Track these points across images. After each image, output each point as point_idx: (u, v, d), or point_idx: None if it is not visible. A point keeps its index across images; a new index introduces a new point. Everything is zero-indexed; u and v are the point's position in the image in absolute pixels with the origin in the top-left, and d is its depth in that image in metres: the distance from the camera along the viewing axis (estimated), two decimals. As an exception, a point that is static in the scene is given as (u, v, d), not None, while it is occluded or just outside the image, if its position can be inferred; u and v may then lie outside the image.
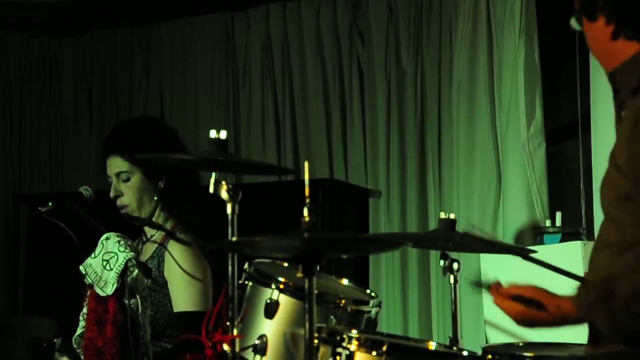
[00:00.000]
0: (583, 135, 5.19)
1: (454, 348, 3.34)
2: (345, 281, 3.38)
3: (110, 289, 3.44)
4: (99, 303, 3.46)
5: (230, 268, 2.85)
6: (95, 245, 3.54)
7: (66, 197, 3.89)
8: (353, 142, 5.94)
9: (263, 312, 3.01)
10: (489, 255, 4.64)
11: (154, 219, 3.92)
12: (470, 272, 4.55)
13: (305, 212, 2.51)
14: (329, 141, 6.02)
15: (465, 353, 3.05)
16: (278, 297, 3.01)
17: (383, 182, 5.77)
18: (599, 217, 4.34)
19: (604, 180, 2.54)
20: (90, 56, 6.64)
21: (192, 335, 3.00)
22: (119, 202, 3.89)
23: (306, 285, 2.52)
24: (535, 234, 5.09)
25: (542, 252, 3.53)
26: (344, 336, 2.83)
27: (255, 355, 2.97)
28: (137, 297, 3.47)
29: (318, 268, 2.54)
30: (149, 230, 3.95)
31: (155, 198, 3.90)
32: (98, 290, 3.46)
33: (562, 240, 4.94)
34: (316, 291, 2.55)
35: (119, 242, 3.51)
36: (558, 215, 5.05)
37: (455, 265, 3.57)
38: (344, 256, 4.56)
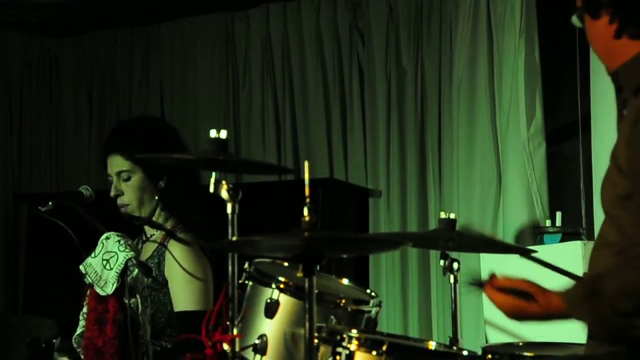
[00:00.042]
0: (583, 135, 5.19)
1: (454, 348, 3.34)
2: (345, 281, 3.38)
3: (110, 289, 3.44)
4: (99, 302, 3.46)
5: (230, 268, 2.85)
6: (95, 244, 3.54)
7: (66, 196, 3.89)
8: (353, 141, 5.94)
9: (263, 312, 3.01)
10: (489, 255, 4.63)
11: (154, 219, 3.92)
12: (469, 273, 4.55)
13: (306, 211, 2.51)
14: (329, 141, 6.02)
15: (465, 353, 3.05)
16: (278, 296, 3.01)
17: (383, 182, 5.78)
18: (599, 217, 4.35)
19: (605, 180, 2.54)
20: (90, 56, 6.64)
21: (192, 335, 2.99)
22: (119, 201, 3.89)
23: (306, 284, 2.52)
24: (535, 233, 5.09)
25: (542, 252, 3.53)
26: (344, 336, 2.83)
27: (255, 354, 2.97)
28: (137, 296, 3.47)
29: (318, 268, 2.54)
30: (149, 230, 3.95)
31: (156, 197, 3.90)
32: (98, 290, 3.46)
33: (562, 240, 4.94)
34: (316, 291, 2.55)
35: (119, 241, 3.51)
36: (558, 215, 5.05)
37: (455, 265, 3.56)
38: (344, 256, 4.56)
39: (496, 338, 4.52)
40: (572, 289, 2.50)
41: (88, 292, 3.51)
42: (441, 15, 5.70)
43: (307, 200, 2.52)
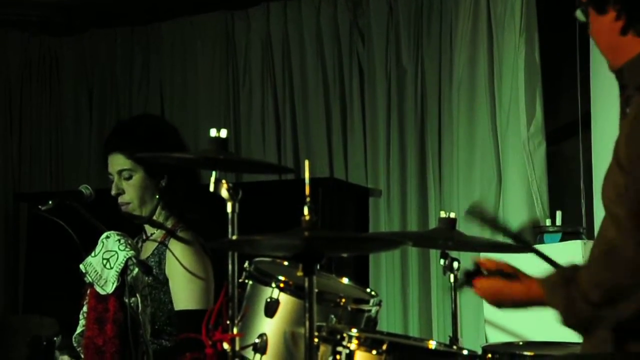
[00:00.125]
0: (583, 135, 5.19)
1: (454, 347, 3.34)
2: (345, 280, 3.38)
3: (110, 288, 3.44)
4: (99, 302, 3.45)
5: (230, 267, 2.85)
6: (96, 243, 3.54)
7: (66, 195, 3.88)
8: (353, 141, 5.94)
9: (263, 311, 3.01)
10: (489, 254, 4.63)
11: (154, 218, 3.92)
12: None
13: (306, 210, 2.51)
14: (329, 140, 6.02)
15: (465, 352, 3.05)
16: (278, 295, 3.01)
17: (383, 181, 5.77)
18: (599, 216, 4.35)
19: (606, 177, 2.53)
20: (91, 55, 6.64)
21: (193, 334, 2.99)
22: (120, 199, 3.89)
23: (306, 284, 2.52)
24: (535, 233, 5.09)
25: (542, 251, 3.53)
26: (344, 335, 2.83)
27: (255, 354, 2.97)
28: (137, 295, 3.47)
29: (318, 267, 2.54)
30: (149, 229, 3.95)
31: (157, 196, 3.90)
32: (98, 289, 3.46)
33: (562, 240, 4.94)
34: (316, 290, 2.55)
35: (119, 240, 3.51)
36: (558, 214, 5.05)
37: (455, 264, 3.57)
38: (344, 255, 4.56)
39: (496, 337, 4.53)
40: (550, 275, 2.52)
41: (88, 291, 3.51)
42: (441, 15, 5.70)
43: (307, 199, 2.52)
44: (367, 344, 2.82)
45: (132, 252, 3.48)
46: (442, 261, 3.59)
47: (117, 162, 3.88)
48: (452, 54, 5.57)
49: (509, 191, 5.30)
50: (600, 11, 2.59)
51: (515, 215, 5.23)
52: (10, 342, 4.37)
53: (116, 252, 3.48)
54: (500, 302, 2.65)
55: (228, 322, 2.85)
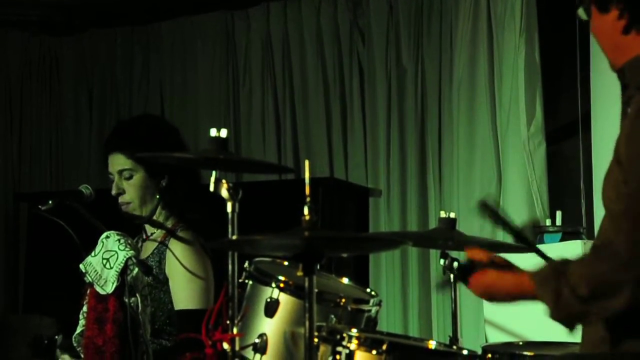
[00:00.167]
0: (583, 134, 5.19)
1: (454, 347, 3.33)
2: (345, 280, 3.37)
3: (110, 288, 3.44)
4: (99, 301, 3.45)
5: (230, 267, 2.85)
6: (95, 243, 3.54)
7: (66, 195, 3.88)
8: (353, 140, 5.94)
9: (263, 311, 3.01)
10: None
11: (154, 217, 3.92)
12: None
13: (306, 210, 2.51)
14: (329, 140, 6.02)
15: (465, 352, 3.05)
16: (278, 295, 3.01)
17: (383, 181, 5.77)
18: (599, 216, 4.35)
19: (606, 176, 2.53)
20: (91, 55, 6.64)
21: (193, 334, 2.99)
22: (120, 199, 3.89)
23: (306, 284, 2.52)
24: (535, 233, 5.09)
25: (543, 251, 3.53)
26: (344, 335, 2.83)
27: (255, 354, 2.97)
28: (137, 295, 3.47)
29: (318, 267, 2.54)
30: (149, 229, 3.95)
31: (157, 196, 3.90)
32: (98, 289, 3.46)
33: (562, 240, 4.94)
34: (316, 290, 2.55)
35: (119, 240, 3.51)
36: (558, 214, 5.05)
37: (455, 264, 3.56)
38: (344, 255, 4.56)
39: (496, 337, 4.53)
40: (541, 268, 2.52)
41: (88, 291, 3.51)
42: (441, 15, 5.70)
43: (308, 199, 2.52)
44: (367, 344, 2.81)
45: (132, 252, 3.48)
46: (442, 261, 3.58)
47: (118, 162, 3.88)
48: (452, 53, 5.57)
49: (509, 191, 5.30)
50: (602, 10, 2.59)
51: (515, 215, 5.23)
52: (11, 342, 4.37)
53: (116, 252, 3.48)
54: (491, 294, 2.64)
55: (228, 322, 2.85)
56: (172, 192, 3.89)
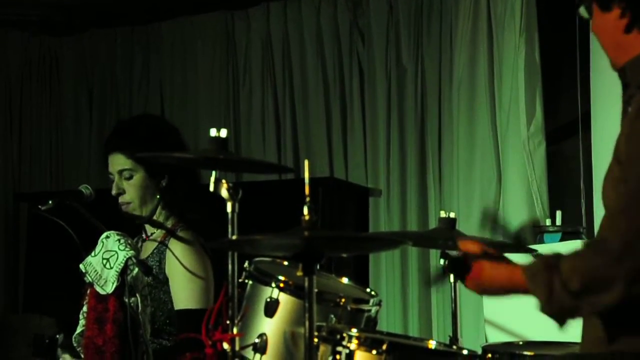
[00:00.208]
0: (583, 134, 5.19)
1: (454, 347, 3.33)
2: (345, 280, 3.37)
3: (110, 288, 3.44)
4: (99, 301, 3.45)
5: (230, 266, 2.85)
6: (95, 243, 3.54)
7: (66, 195, 3.88)
8: (353, 140, 5.94)
9: (263, 311, 3.01)
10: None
11: (154, 217, 3.92)
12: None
13: (306, 210, 2.51)
14: (329, 140, 6.03)
15: (465, 352, 3.05)
16: (278, 295, 3.00)
17: (383, 181, 5.78)
18: (599, 216, 4.35)
19: (607, 176, 2.53)
20: (91, 55, 6.64)
21: (193, 334, 2.99)
22: (121, 199, 3.89)
23: (306, 283, 2.52)
24: (535, 232, 5.09)
25: (542, 251, 3.53)
26: (344, 335, 2.83)
27: (255, 353, 2.97)
28: (137, 295, 3.47)
29: (318, 267, 2.54)
30: (149, 229, 3.95)
31: (157, 196, 3.90)
32: (98, 289, 3.46)
33: (562, 239, 4.94)
34: (316, 290, 2.55)
35: (119, 240, 3.51)
36: (558, 214, 5.05)
37: (442, 261, 3.55)
38: (344, 255, 4.56)
39: (496, 337, 4.52)
40: (533, 262, 2.52)
41: (88, 291, 3.51)
42: (441, 14, 5.71)
43: (307, 199, 2.51)
44: (367, 344, 2.81)
45: (132, 252, 3.48)
46: (442, 261, 3.58)
47: (118, 162, 3.88)
48: (452, 53, 5.57)
49: (509, 191, 5.30)
50: (604, 8, 2.58)
51: (515, 215, 5.23)
52: (10, 342, 4.37)
53: (116, 252, 3.48)
54: (483, 287, 2.64)
55: (228, 322, 2.84)
56: (172, 192, 3.89)
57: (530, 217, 5.20)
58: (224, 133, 2.91)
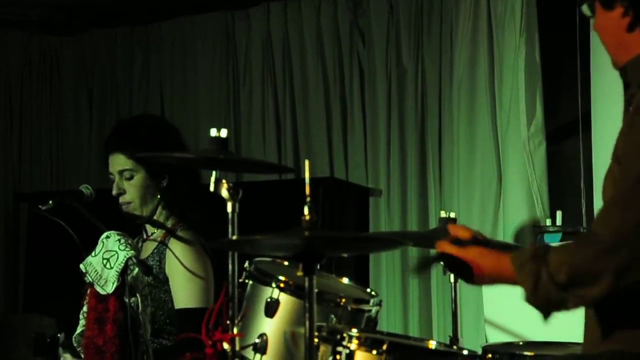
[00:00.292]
0: (583, 134, 5.19)
1: (454, 347, 3.33)
2: (345, 280, 3.37)
3: (110, 288, 3.44)
4: (99, 301, 3.45)
5: (230, 266, 2.85)
6: (96, 243, 3.54)
7: (66, 195, 3.88)
8: (353, 140, 5.94)
9: (263, 311, 3.01)
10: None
11: (155, 217, 3.92)
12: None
13: (306, 210, 2.51)
14: (330, 140, 6.03)
15: (465, 352, 3.05)
16: (278, 295, 3.00)
17: (383, 181, 5.78)
18: (599, 216, 4.33)
19: (607, 176, 2.53)
20: (91, 55, 6.64)
21: (193, 334, 2.99)
22: (121, 199, 3.89)
23: (306, 284, 2.52)
24: (535, 232, 5.09)
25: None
26: (344, 335, 2.82)
27: (255, 354, 2.97)
28: (138, 295, 3.47)
29: (318, 267, 2.54)
30: (149, 229, 3.95)
31: (158, 196, 3.90)
32: (98, 289, 3.46)
33: (562, 240, 4.93)
34: (316, 290, 2.54)
35: (119, 240, 3.51)
36: (558, 214, 5.05)
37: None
38: (345, 255, 4.56)
39: (496, 337, 4.53)
40: (521, 251, 2.51)
41: (88, 291, 3.51)
42: (442, 14, 5.71)
43: (308, 199, 2.51)
44: (367, 344, 2.81)
45: (132, 252, 3.48)
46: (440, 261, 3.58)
47: (118, 162, 3.88)
48: (452, 53, 5.57)
49: (509, 191, 5.30)
50: (607, 7, 2.58)
51: (516, 215, 5.23)
52: (10, 342, 4.37)
53: (116, 252, 3.48)
54: (467, 277, 2.63)
55: (228, 322, 2.84)
56: (172, 192, 3.89)
57: (530, 217, 5.20)
58: (224, 133, 2.91)
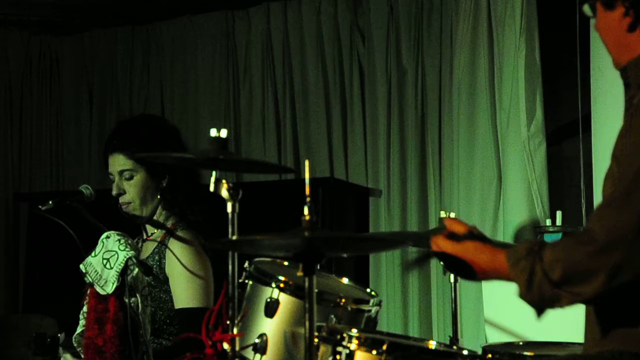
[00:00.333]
0: (583, 135, 5.19)
1: (454, 347, 3.33)
2: (345, 280, 3.37)
3: (110, 288, 3.44)
4: (99, 302, 3.45)
5: (230, 267, 2.85)
6: (96, 243, 3.54)
7: (67, 195, 3.88)
8: (353, 140, 5.94)
9: (263, 311, 3.01)
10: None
11: (155, 217, 3.92)
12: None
13: (306, 210, 2.51)
14: (330, 140, 6.03)
15: (465, 352, 3.05)
16: (278, 295, 3.00)
17: (383, 181, 5.77)
18: (599, 216, 4.33)
19: (607, 175, 2.53)
20: (91, 55, 6.64)
21: (193, 334, 2.99)
22: (121, 199, 3.89)
23: (306, 284, 2.52)
24: (535, 233, 5.09)
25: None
26: (344, 335, 2.82)
27: (255, 354, 2.97)
28: (137, 295, 3.47)
29: (318, 267, 2.54)
30: (149, 229, 3.95)
31: (158, 196, 3.90)
32: (98, 289, 3.46)
33: (562, 240, 4.93)
34: (316, 290, 2.54)
35: (119, 240, 3.51)
36: (558, 214, 5.05)
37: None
38: (344, 255, 4.56)
39: (496, 337, 4.53)
40: (516, 247, 2.51)
41: (88, 291, 3.51)
42: (441, 14, 5.71)
43: (308, 199, 2.51)
44: (367, 344, 2.81)
45: (132, 252, 3.48)
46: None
47: (118, 163, 3.88)
48: (452, 53, 5.57)
49: (509, 191, 5.29)
50: (608, 7, 2.58)
51: (516, 215, 5.23)
52: (11, 342, 4.37)
53: (116, 252, 3.48)
54: (461, 271, 2.63)
55: (228, 322, 2.84)
56: (172, 192, 3.89)
57: (530, 217, 5.20)
58: (224, 133, 2.91)
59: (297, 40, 6.13)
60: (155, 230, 3.94)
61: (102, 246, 3.51)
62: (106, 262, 3.47)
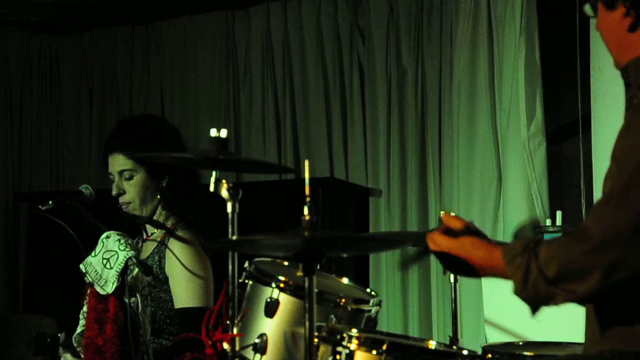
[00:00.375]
0: (583, 135, 5.19)
1: (454, 347, 3.33)
2: (345, 280, 3.37)
3: (110, 288, 3.44)
4: (99, 302, 3.45)
5: (230, 267, 2.85)
6: (96, 243, 3.54)
7: (67, 195, 3.88)
8: (353, 140, 5.94)
9: (263, 311, 3.01)
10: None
11: (155, 217, 3.92)
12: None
13: (306, 210, 2.51)
14: (330, 140, 6.03)
15: (465, 352, 3.05)
16: (278, 295, 3.00)
17: (383, 181, 5.77)
18: (599, 216, 4.33)
19: (607, 175, 2.54)
20: (91, 55, 6.64)
21: (193, 334, 2.99)
22: (121, 199, 3.89)
23: (306, 284, 2.52)
24: (535, 232, 5.09)
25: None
26: (344, 335, 2.82)
27: (255, 354, 2.97)
28: (137, 295, 3.47)
29: (318, 267, 2.54)
30: (149, 229, 3.96)
31: (158, 196, 3.90)
32: (98, 289, 3.46)
33: (562, 240, 4.93)
34: (316, 290, 2.55)
35: (119, 240, 3.51)
36: (558, 214, 5.05)
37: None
38: (344, 255, 4.56)
39: (496, 337, 4.53)
40: (512, 243, 2.52)
41: (88, 291, 3.51)
42: (441, 14, 5.71)
43: (308, 199, 2.51)
44: (367, 344, 2.81)
45: (132, 252, 3.48)
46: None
47: (118, 163, 3.88)
48: (452, 53, 5.57)
49: (509, 191, 5.29)
50: (609, 7, 2.59)
51: (516, 215, 5.23)
52: (11, 342, 4.37)
53: (116, 252, 3.48)
54: (457, 268, 2.63)
55: (228, 322, 2.84)
56: (172, 192, 3.89)
57: (530, 217, 5.20)
58: (224, 133, 2.91)
59: (297, 40, 6.13)
60: (155, 230, 3.94)
61: (102, 246, 3.51)
62: (106, 262, 3.47)
